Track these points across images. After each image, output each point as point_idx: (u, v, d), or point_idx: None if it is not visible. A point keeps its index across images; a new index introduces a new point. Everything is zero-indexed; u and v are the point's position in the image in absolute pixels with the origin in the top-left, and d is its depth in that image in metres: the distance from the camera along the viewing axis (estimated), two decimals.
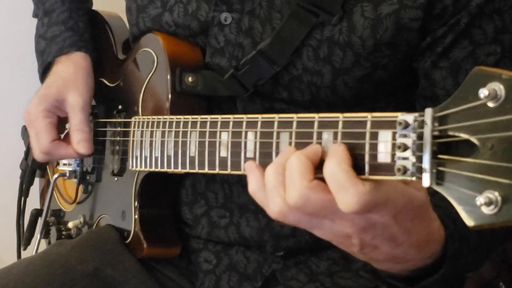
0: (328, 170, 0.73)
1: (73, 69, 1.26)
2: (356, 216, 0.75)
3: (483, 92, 0.63)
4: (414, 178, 0.69)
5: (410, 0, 1.02)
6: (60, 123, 1.26)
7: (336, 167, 0.72)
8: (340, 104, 1.10)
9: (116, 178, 1.25)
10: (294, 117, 0.81)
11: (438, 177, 0.67)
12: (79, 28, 1.32)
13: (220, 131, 0.92)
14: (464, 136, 0.65)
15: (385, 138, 0.72)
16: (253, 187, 0.81)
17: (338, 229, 0.77)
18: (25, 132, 1.45)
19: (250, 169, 0.81)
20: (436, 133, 0.68)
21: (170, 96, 1.13)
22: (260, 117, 0.86)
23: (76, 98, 1.22)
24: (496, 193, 0.62)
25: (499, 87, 0.62)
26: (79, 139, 1.20)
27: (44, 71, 1.31)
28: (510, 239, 1.44)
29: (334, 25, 1.05)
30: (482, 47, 1.04)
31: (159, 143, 1.08)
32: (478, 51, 1.04)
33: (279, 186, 0.77)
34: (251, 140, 0.88)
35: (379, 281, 0.90)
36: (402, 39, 1.04)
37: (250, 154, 0.88)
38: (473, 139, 0.64)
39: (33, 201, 1.50)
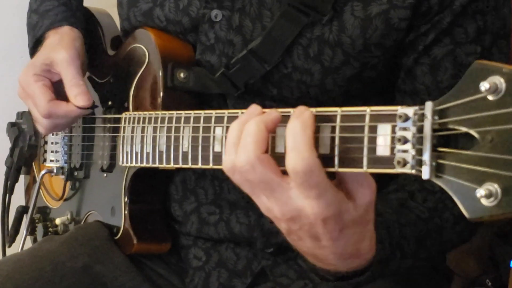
0: (292, 128, 0.76)
1: (59, 37, 1.25)
2: (287, 204, 0.78)
3: (484, 86, 0.64)
4: (413, 171, 0.69)
5: (399, 0, 1.02)
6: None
7: (300, 129, 0.75)
8: (330, 103, 1.10)
9: (105, 174, 1.25)
10: (291, 111, 0.81)
11: (438, 170, 0.68)
12: (72, 6, 1.32)
13: (214, 126, 0.92)
14: (463, 129, 0.66)
15: (384, 131, 0.72)
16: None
17: (270, 207, 0.80)
18: (10, 129, 1.44)
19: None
20: (436, 126, 0.68)
21: (161, 91, 1.13)
22: None
23: (63, 55, 1.21)
24: (496, 185, 0.63)
25: (499, 81, 0.63)
26: (76, 93, 1.18)
27: (34, 46, 1.30)
28: (496, 237, 1.46)
29: (324, 24, 1.06)
30: (463, 46, 1.04)
31: (151, 139, 1.08)
32: (458, 50, 1.04)
33: (236, 146, 0.79)
34: None
35: (313, 271, 0.92)
36: (391, 39, 1.05)
37: None
38: (473, 132, 0.65)
39: (18, 198, 1.49)
